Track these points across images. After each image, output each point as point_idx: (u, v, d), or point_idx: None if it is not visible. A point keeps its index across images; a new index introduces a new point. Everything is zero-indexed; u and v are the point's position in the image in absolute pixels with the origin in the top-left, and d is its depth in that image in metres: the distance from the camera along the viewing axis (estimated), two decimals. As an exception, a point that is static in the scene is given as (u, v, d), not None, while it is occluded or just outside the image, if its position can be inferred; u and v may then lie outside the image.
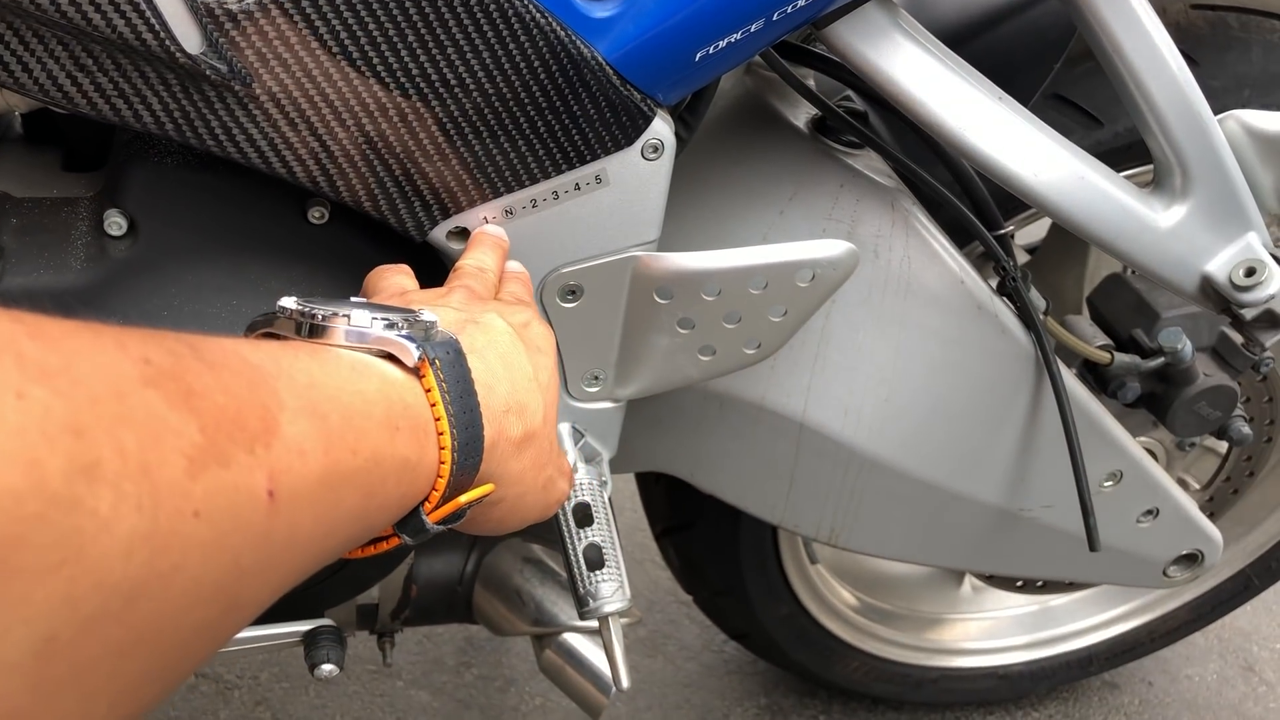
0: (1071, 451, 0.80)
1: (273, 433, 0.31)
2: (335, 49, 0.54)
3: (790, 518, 0.88)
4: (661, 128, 0.61)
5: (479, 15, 0.55)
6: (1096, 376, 0.89)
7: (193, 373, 0.29)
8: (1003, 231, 0.79)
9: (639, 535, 1.39)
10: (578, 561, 0.67)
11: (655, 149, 0.61)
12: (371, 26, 0.54)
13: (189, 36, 0.51)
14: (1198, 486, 1.17)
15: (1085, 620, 1.27)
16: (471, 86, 0.57)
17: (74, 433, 0.24)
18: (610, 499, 0.71)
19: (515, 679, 1.30)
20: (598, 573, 0.67)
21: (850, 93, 0.82)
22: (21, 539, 0.23)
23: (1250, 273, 0.73)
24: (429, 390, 0.41)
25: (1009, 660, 1.27)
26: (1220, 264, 0.74)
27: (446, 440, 0.41)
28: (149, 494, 0.26)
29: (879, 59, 0.66)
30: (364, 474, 0.36)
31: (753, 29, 0.59)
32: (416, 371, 0.41)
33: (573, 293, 0.66)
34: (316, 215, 0.63)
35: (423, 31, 0.55)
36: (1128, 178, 0.74)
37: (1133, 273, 0.92)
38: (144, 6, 0.49)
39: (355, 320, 0.41)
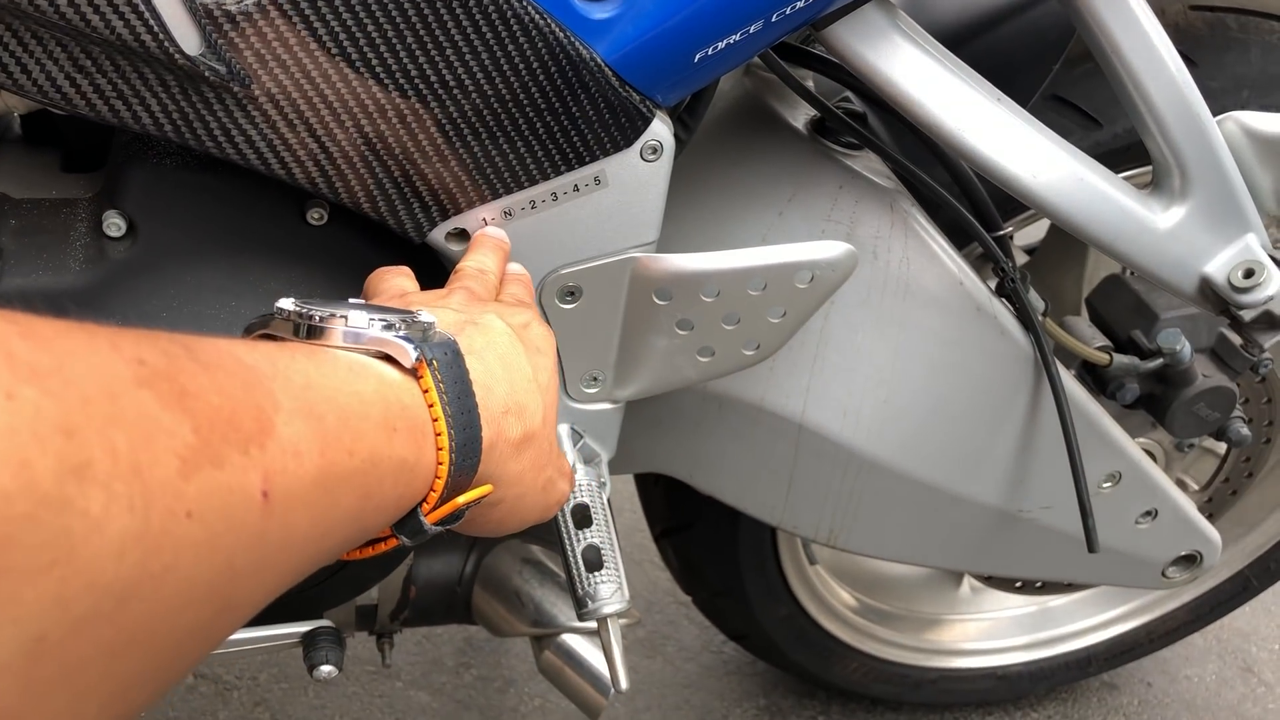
0: (1070, 453, 0.80)
1: (267, 433, 0.31)
2: (334, 50, 0.54)
3: (789, 519, 0.88)
4: (660, 129, 0.61)
5: (478, 16, 0.55)
6: (1095, 377, 0.89)
7: (187, 373, 0.29)
8: (1001, 233, 0.79)
9: (638, 536, 1.39)
10: (576, 563, 0.67)
11: (654, 150, 0.61)
12: (370, 28, 0.54)
13: (188, 38, 0.51)
14: (1196, 487, 1.17)
15: (1084, 621, 1.27)
16: (470, 88, 0.57)
17: (65, 433, 0.24)
18: (609, 500, 0.71)
19: (514, 680, 1.30)
20: (596, 574, 0.66)
21: (849, 94, 0.82)
22: (11, 539, 0.23)
23: (1249, 274, 0.73)
24: (427, 391, 0.41)
25: (1008, 661, 1.27)
26: (1219, 265, 0.74)
27: (444, 441, 0.40)
28: (141, 494, 0.26)
29: (878, 60, 0.66)
30: (360, 475, 0.36)
31: (751, 30, 0.59)
32: (414, 372, 0.41)
33: (571, 294, 0.66)
34: (315, 216, 0.63)
35: (421, 33, 0.55)
36: (1127, 179, 0.74)
37: (1131, 274, 0.92)
38: (143, 8, 0.49)
39: (353, 321, 0.41)
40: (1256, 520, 1.20)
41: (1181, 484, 1.16)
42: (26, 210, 0.62)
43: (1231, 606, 1.25)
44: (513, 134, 0.59)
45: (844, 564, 1.22)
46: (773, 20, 0.59)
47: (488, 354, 0.46)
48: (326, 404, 0.35)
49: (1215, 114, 0.72)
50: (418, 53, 0.55)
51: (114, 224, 0.60)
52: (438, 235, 0.62)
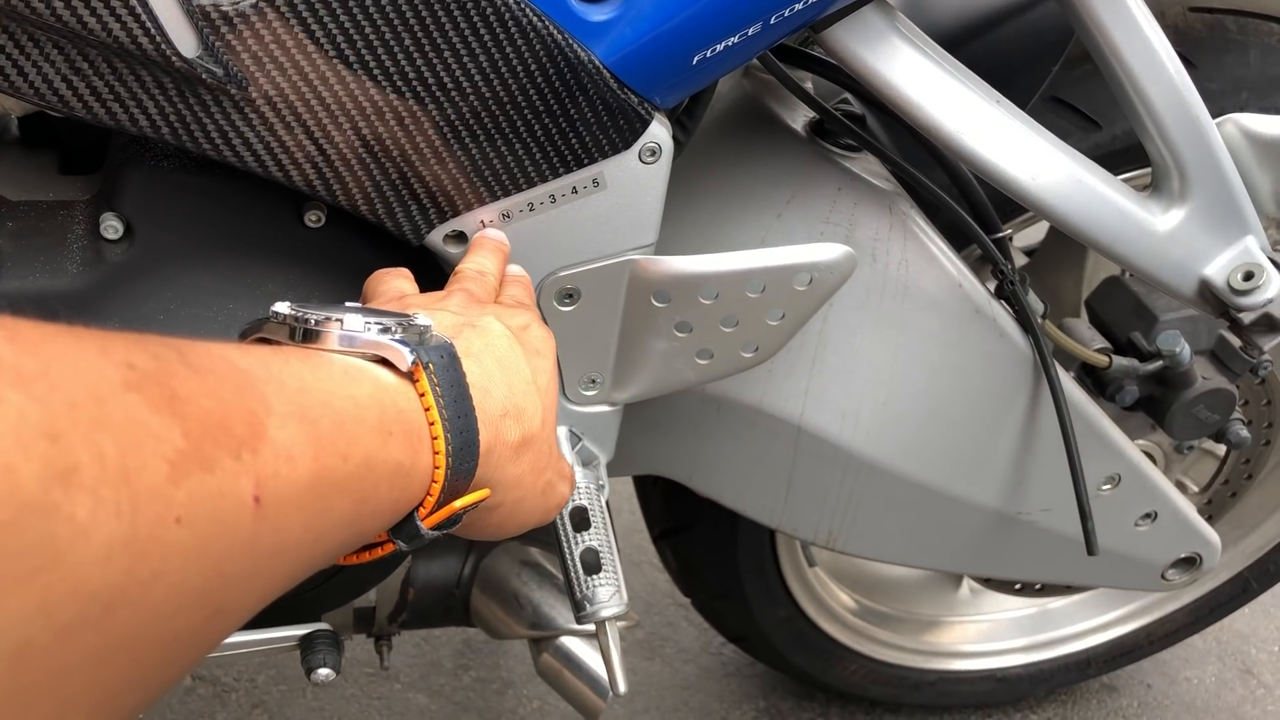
0: (1069, 455, 0.80)
1: (260, 438, 0.31)
2: (331, 52, 0.54)
3: (788, 521, 0.87)
4: (659, 131, 0.61)
5: (475, 18, 0.55)
6: (1095, 379, 0.89)
7: (178, 377, 0.29)
8: (1000, 235, 0.79)
9: (636, 537, 1.39)
10: (574, 565, 0.67)
11: (653, 152, 0.61)
12: (368, 30, 0.54)
13: (185, 40, 0.51)
14: (1196, 489, 1.17)
15: (1083, 623, 1.27)
16: (468, 90, 0.57)
17: (50, 438, 0.24)
18: (607, 502, 0.71)
19: (513, 682, 1.29)
20: (595, 577, 0.66)
21: (848, 96, 0.82)
22: None
23: (1248, 276, 0.73)
24: (423, 395, 0.40)
25: (1007, 663, 1.27)
26: (1218, 268, 0.73)
27: (441, 445, 0.40)
28: (128, 500, 0.25)
29: (876, 62, 0.66)
30: (355, 479, 0.35)
31: (750, 32, 0.59)
32: (410, 376, 0.41)
33: (570, 296, 0.66)
34: (313, 219, 0.63)
35: (419, 35, 0.55)
36: (1126, 180, 0.74)
37: (1131, 276, 0.92)
38: (140, 11, 0.49)
39: (348, 325, 0.40)
40: (1256, 522, 1.20)
41: (1181, 486, 1.16)
42: (24, 212, 0.62)
43: (1231, 608, 1.25)
44: (510, 136, 0.59)
45: (843, 566, 1.22)
46: (771, 23, 0.59)
47: (485, 357, 0.46)
48: (321, 408, 0.35)
49: (1214, 116, 0.72)
50: (415, 55, 0.55)
51: (111, 226, 0.60)
52: (435, 237, 0.62)
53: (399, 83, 0.55)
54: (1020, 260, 1.06)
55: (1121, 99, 0.70)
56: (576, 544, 0.67)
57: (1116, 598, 1.26)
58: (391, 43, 0.54)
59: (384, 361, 0.41)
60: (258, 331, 0.42)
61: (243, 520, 0.29)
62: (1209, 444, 1.12)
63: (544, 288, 0.65)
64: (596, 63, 0.57)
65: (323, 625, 0.80)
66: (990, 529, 0.89)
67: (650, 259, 0.65)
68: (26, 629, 0.23)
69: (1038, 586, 1.20)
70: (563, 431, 0.72)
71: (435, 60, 0.55)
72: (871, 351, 0.79)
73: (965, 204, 0.77)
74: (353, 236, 0.64)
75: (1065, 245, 1.04)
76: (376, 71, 0.55)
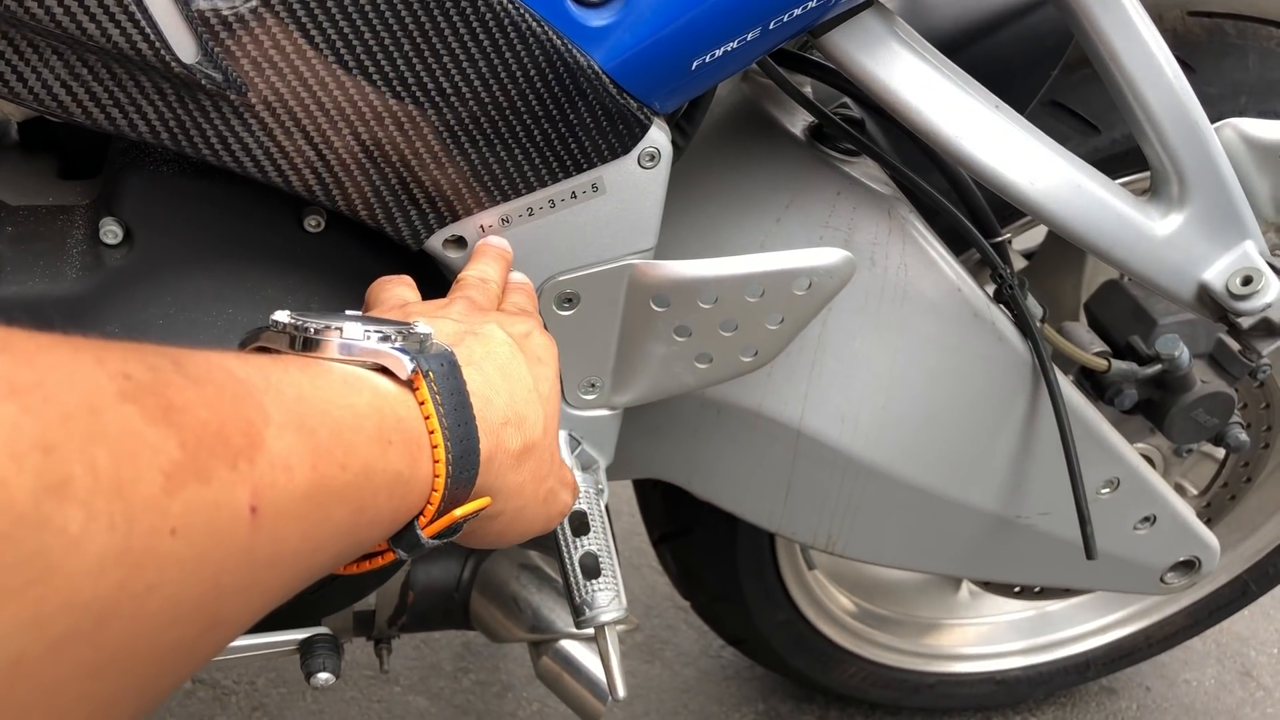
0: (1068, 459, 0.80)
1: (257, 448, 0.31)
2: (330, 57, 0.54)
3: (787, 525, 0.88)
4: (658, 136, 0.61)
5: (475, 23, 0.55)
6: (1094, 383, 0.89)
7: (174, 387, 0.29)
8: (999, 239, 0.79)
9: (636, 540, 1.39)
10: (574, 570, 0.67)
11: (652, 157, 0.61)
12: (367, 35, 0.54)
13: (184, 46, 0.51)
14: (1195, 492, 1.17)
15: (1083, 625, 1.27)
16: (467, 94, 0.57)
17: (43, 450, 0.24)
18: (607, 506, 0.71)
19: (512, 684, 1.29)
20: (594, 581, 0.66)
21: (847, 100, 0.82)
22: None
23: (1247, 281, 0.73)
24: (422, 403, 0.40)
25: (1006, 665, 1.27)
26: (1217, 272, 0.73)
27: (441, 454, 0.40)
28: (122, 512, 0.25)
29: (875, 67, 0.66)
30: (354, 489, 0.35)
31: (749, 38, 0.59)
32: (410, 384, 0.41)
33: (569, 300, 0.66)
34: (313, 223, 0.63)
35: (418, 39, 0.55)
36: (1125, 184, 0.74)
37: (1130, 279, 0.92)
38: (139, 16, 0.49)
39: (348, 333, 0.40)
40: (1255, 525, 1.20)
41: (1180, 489, 1.16)
42: (23, 217, 0.62)
43: (1230, 611, 1.25)
44: (510, 141, 0.59)
45: (842, 569, 1.21)
46: (770, 28, 0.59)
47: (487, 364, 0.46)
48: (319, 417, 0.35)
49: (1213, 120, 0.72)
50: (414, 59, 0.55)
51: (110, 231, 0.60)
52: (435, 242, 0.62)
53: (398, 87, 0.56)
54: (1019, 263, 1.06)
55: (1120, 103, 0.70)
56: (576, 548, 0.67)
57: (1115, 600, 1.26)
58: (391, 48, 0.54)
59: (384, 370, 0.40)
60: (257, 340, 0.42)
61: (239, 531, 0.29)
62: (1208, 447, 1.12)
63: (543, 292, 0.65)
64: (595, 68, 0.57)
65: (322, 629, 0.80)
66: (989, 532, 0.89)
67: (649, 263, 0.65)
68: (19, 642, 0.23)
69: (1037, 589, 1.20)
70: (562, 435, 0.72)
71: (434, 65, 0.55)
72: (871, 355, 0.79)
73: (964, 208, 0.77)
74: (352, 241, 0.64)
75: (1064, 249, 1.04)
76: (376, 76, 0.55)
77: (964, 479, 0.85)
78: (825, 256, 0.67)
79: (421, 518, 0.41)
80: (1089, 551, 0.82)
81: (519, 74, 0.56)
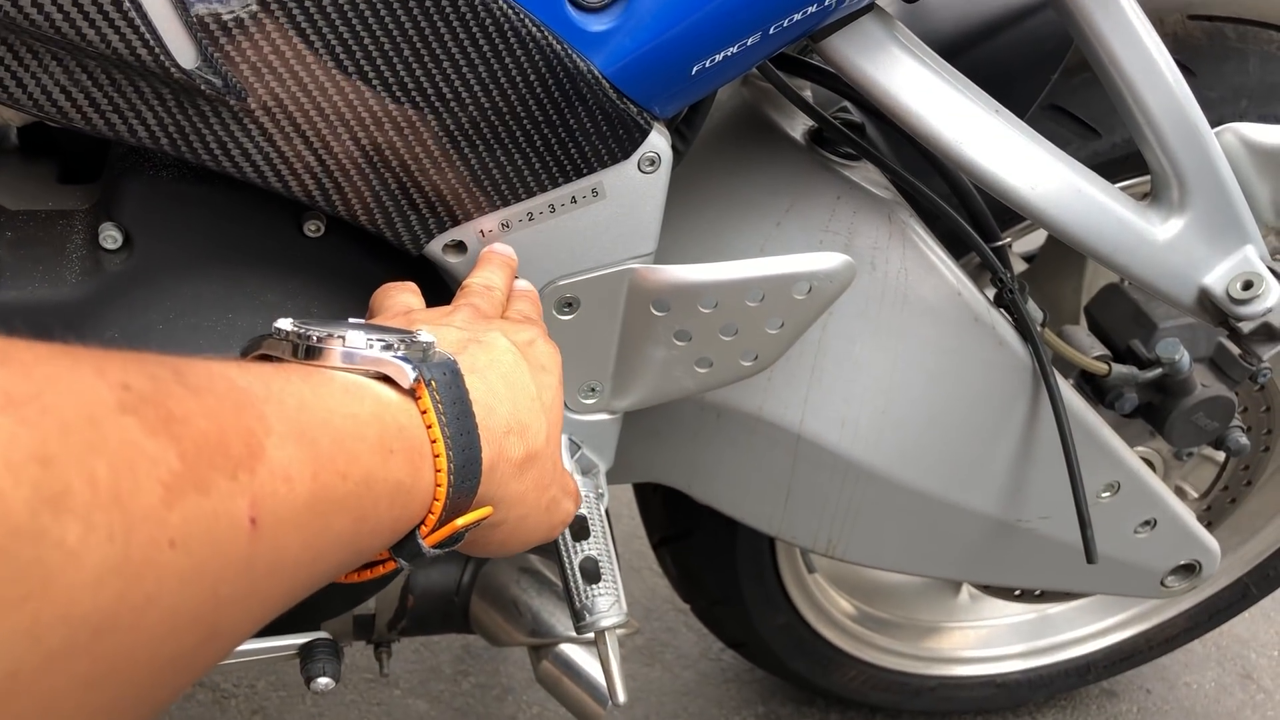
0: (1069, 463, 0.80)
1: (257, 458, 0.31)
2: (330, 62, 0.54)
3: (787, 529, 0.87)
4: (658, 141, 0.61)
5: (474, 28, 0.55)
6: (1094, 387, 0.89)
7: (174, 398, 0.29)
8: (1000, 243, 0.79)
9: (636, 543, 1.39)
10: (574, 575, 0.67)
11: (652, 162, 0.61)
12: (366, 40, 0.54)
13: (184, 51, 0.51)
14: (1195, 496, 1.17)
15: (1083, 628, 1.27)
16: (467, 99, 0.57)
17: (40, 462, 0.24)
18: (607, 510, 0.71)
19: (512, 688, 1.29)
20: (594, 586, 0.66)
21: (847, 104, 0.82)
22: None
23: (1248, 286, 0.73)
24: (425, 412, 0.40)
25: (1007, 668, 1.27)
26: (1218, 277, 0.73)
27: (443, 463, 0.40)
28: (121, 524, 0.25)
29: (875, 72, 0.66)
30: (355, 498, 0.35)
31: (749, 43, 0.59)
32: (412, 393, 0.40)
33: (569, 305, 0.66)
34: (312, 228, 0.63)
35: (418, 44, 0.54)
36: (1125, 188, 0.74)
37: (1130, 283, 0.92)
38: (139, 22, 0.49)
39: (350, 342, 0.40)
40: (1255, 528, 1.20)
41: (1180, 492, 1.16)
42: (22, 222, 0.61)
43: (1230, 614, 1.25)
44: (510, 146, 0.59)
45: (842, 572, 1.21)
46: (770, 33, 0.59)
47: (490, 373, 0.46)
48: (320, 426, 0.34)
49: (1214, 124, 0.72)
50: (414, 64, 0.55)
51: (110, 236, 0.60)
52: (435, 247, 0.62)
53: (398, 92, 0.55)
54: (1019, 266, 1.06)
55: (1120, 107, 0.70)
56: (576, 553, 0.67)
57: (1116, 603, 1.26)
58: (390, 53, 0.54)
59: (386, 378, 0.40)
60: (259, 347, 0.42)
61: (238, 541, 0.29)
62: (1208, 450, 1.12)
63: (543, 296, 0.65)
64: (595, 73, 0.57)
65: (322, 634, 0.80)
66: (989, 536, 0.89)
67: (649, 268, 0.65)
68: (15, 655, 0.23)
69: (1037, 593, 1.20)
70: (562, 440, 0.72)
71: (434, 70, 0.55)
72: (871, 360, 0.79)
73: (964, 212, 0.77)
74: (352, 246, 0.64)
75: (1064, 252, 1.04)
76: (375, 81, 0.55)
77: (964, 483, 0.85)
78: (825, 261, 0.67)
79: (423, 527, 0.41)
80: (1089, 555, 0.82)
81: (519, 79, 0.56)
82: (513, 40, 0.55)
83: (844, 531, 0.87)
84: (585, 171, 0.61)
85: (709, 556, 1.06)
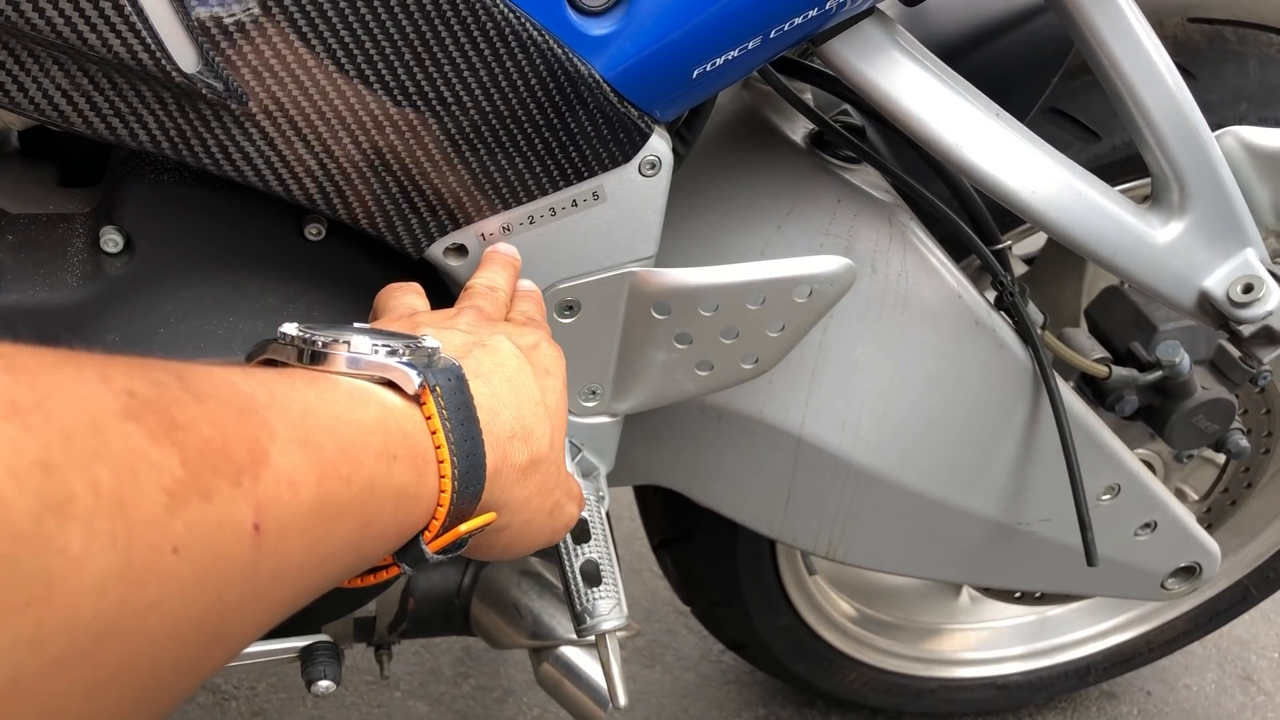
0: (1069, 465, 0.80)
1: (261, 464, 0.31)
2: (331, 65, 0.54)
3: (788, 531, 0.87)
4: (659, 144, 0.61)
5: (475, 32, 0.55)
6: (1094, 389, 0.89)
7: (178, 404, 0.29)
8: (1000, 246, 0.79)
9: (636, 544, 1.39)
10: (575, 578, 0.67)
11: (653, 165, 0.61)
12: (368, 44, 0.54)
13: (185, 55, 0.51)
14: (1196, 498, 1.17)
15: (1083, 630, 1.27)
16: (468, 103, 0.57)
17: (44, 469, 0.24)
18: (607, 513, 0.71)
19: (513, 690, 1.29)
20: (595, 589, 0.66)
21: (847, 107, 0.82)
22: None
23: (1248, 289, 0.73)
24: (429, 418, 0.40)
25: (1007, 670, 1.27)
26: (1218, 280, 0.73)
27: (447, 469, 0.40)
28: (124, 530, 0.25)
29: (876, 75, 0.66)
30: (359, 504, 0.35)
31: (750, 46, 0.59)
32: (417, 399, 0.40)
33: (570, 308, 0.66)
34: (313, 232, 0.63)
35: (419, 48, 0.55)
36: (1126, 191, 0.74)
37: (1130, 286, 0.92)
38: (140, 26, 0.49)
39: (355, 347, 0.40)
40: (1255, 530, 1.20)
41: (1180, 494, 1.16)
42: (23, 225, 0.62)
43: (1230, 616, 1.25)
44: (511, 149, 0.59)
45: (843, 574, 1.21)
46: (771, 37, 0.59)
47: (494, 377, 0.46)
48: (325, 432, 0.34)
49: (1214, 126, 0.72)
50: (415, 68, 0.55)
51: (111, 240, 0.60)
52: (436, 250, 0.62)
53: (399, 96, 0.56)
54: (1020, 268, 1.06)
55: (1120, 110, 0.70)
56: (577, 556, 0.67)
57: (1116, 605, 1.26)
58: (391, 56, 0.54)
59: (391, 384, 0.40)
60: (264, 352, 0.42)
61: (242, 548, 0.29)
62: (1208, 452, 1.12)
63: (544, 299, 0.65)
64: (596, 76, 0.57)
65: (323, 637, 0.80)
66: (990, 539, 0.89)
67: (650, 271, 0.65)
68: (17, 661, 0.23)
69: (1037, 595, 1.20)
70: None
71: (435, 74, 0.55)
72: (871, 363, 0.79)
73: (965, 215, 0.77)
74: (353, 249, 0.64)
75: (1064, 254, 1.04)
76: (376, 84, 0.55)
77: (965, 485, 0.85)
78: (826, 264, 0.67)
79: (426, 533, 0.41)
80: (1090, 558, 0.82)
81: (519, 82, 0.56)
82: (513, 44, 0.55)
83: (845, 534, 0.87)
84: (586, 175, 0.61)
85: (709, 559, 1.06)
